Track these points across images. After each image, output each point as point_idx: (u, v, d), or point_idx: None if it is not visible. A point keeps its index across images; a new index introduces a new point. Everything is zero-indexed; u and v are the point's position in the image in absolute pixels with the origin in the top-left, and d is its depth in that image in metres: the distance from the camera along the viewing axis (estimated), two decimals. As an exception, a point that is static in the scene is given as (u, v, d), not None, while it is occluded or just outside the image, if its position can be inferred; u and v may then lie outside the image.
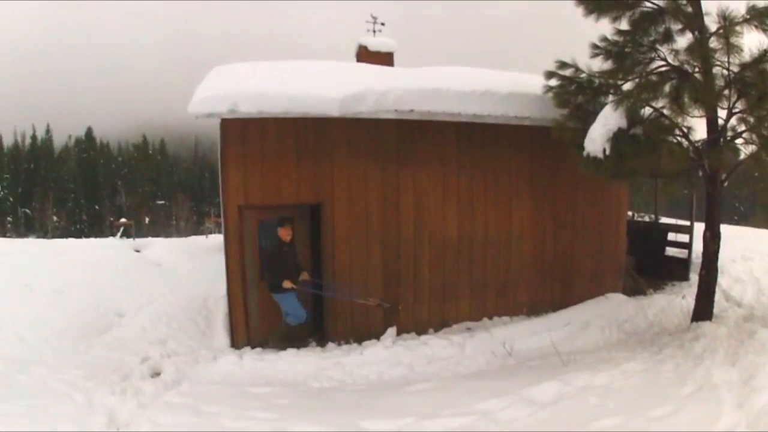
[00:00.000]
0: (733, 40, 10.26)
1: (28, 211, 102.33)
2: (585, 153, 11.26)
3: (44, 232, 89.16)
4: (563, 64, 12.68)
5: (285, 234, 12.56)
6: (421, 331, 13.93)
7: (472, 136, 14.25)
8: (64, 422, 7.68)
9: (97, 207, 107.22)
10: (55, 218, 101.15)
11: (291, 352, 12.37)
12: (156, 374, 10.66)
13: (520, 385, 8.58)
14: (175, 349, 12.27)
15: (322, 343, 13.43)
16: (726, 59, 10.47)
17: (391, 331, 13.51)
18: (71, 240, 26.86)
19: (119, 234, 33.71)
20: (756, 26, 10.31)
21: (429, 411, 8.00)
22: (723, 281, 14.75)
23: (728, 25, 10.21)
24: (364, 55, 20.17)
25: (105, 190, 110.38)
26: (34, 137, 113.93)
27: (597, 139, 10.95)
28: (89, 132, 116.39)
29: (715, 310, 12.38)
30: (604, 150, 10.88)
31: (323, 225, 13.39)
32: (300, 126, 12.81)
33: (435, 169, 14.03)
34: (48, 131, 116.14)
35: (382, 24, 21.70)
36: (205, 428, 7.81)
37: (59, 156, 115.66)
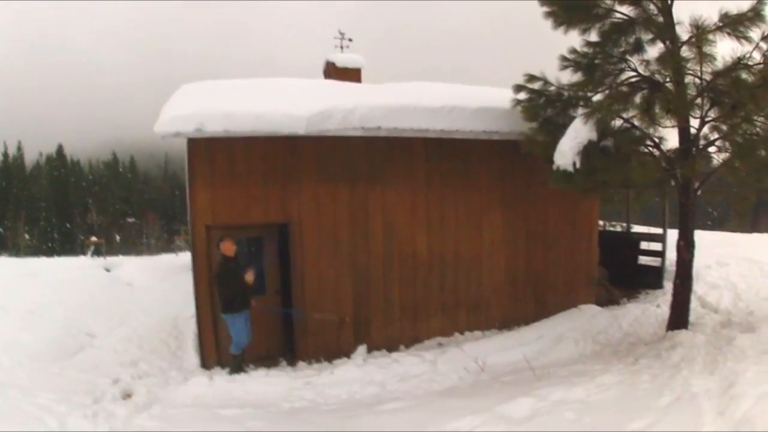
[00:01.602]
0: (706, 48, 10.24)
1: (0, 229, 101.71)
2: (555, 166, 11.21)
3: (17, 251, 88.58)
4: (532, 78, 12.65)
5: (228, 249, 12.14)
6: (392, 348, 13.90)
7: (441, 153, 14.23)
8: (36, 448, 7.58)
9: (68, 225, 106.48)
10: (27, 237, 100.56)
11: (261, 372, 12.32)
12: (127, 396, 10.49)
13: (493, 402, 8.47)
14: (146, 371, 12.14)
15: (292, 362, 13.33)
16: (698, 68, 10.46)
17: (362, 349, 13.48)
18: (43, 259, 26.78)
19: (90, 253, 33.56)
20: (729, 33, 10.34)
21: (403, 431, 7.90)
22: (698, 288, 14.75)
23: (700, 33, 10.20)
24: (332, 71, 20.25)
25: (76, 208, 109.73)
26: (5, 155, 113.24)
27: (567, 152, 10.91)
28: (60, 149, 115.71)
29: (691, 317, 12.33)
30: (574, 163, 10.83)
31: (292, 244, 13.31)
32: (268, 145, 12.71)
33: (404, 186, 14.02)
34: (20, 149, 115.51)
35: (350, 40, 21.97)
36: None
37: (31, 174, 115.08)
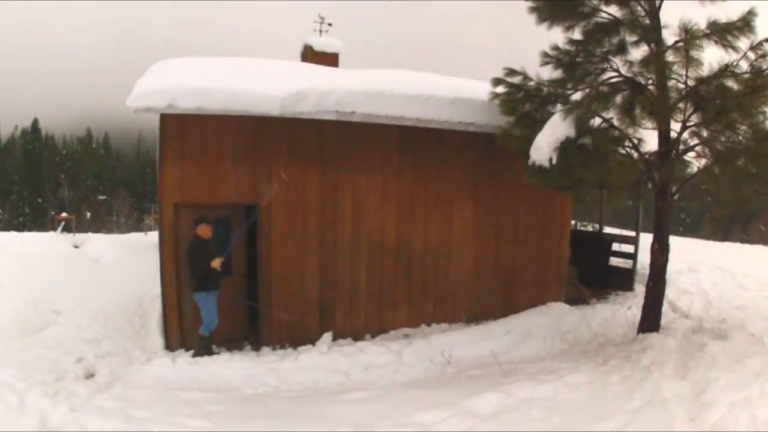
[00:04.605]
0: (694, 53, 10.25)
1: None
2: (531, 162, 11.15)
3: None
4: (511, 71, 12.62)
5: (205, 232, 12.23)
6: (357, 336, 13.90)
7: (414, 141, 14.21)
8: (-5, 425, 7.48)
9: (40, 200, 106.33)
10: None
11: (225, 356, 12.22)
12: (90, 375, 10.44)
13: (459, 396, 8.45)
14: (110, 350, 12.01)
15: (256, 347, 13.29)
16: (683, 72, 10.48)
17: (327, 336, 13.45)
18: (12, 233, 26.56)
19: (60, 229, 33.32)
20: (716, 41, 10.36)
21: (365, 422, 7.84)
22: (669, 292, 14.73)
23: (689, 38, 10.18)
24: (310, 55, 20.16)
25: (48, 183, 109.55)
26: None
27: (544, 148, 10.85)
28: (35, 123, 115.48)
29: (662, 321, 12.36)
30: (551, 159, 10.77)
31: (260, 226, 13.23)
32: (240, 124, 12.62)
33: (375, 173, 13.99)
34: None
35: (329, 24, 21.88)
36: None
37: (5, 147, 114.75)
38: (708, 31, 10.25)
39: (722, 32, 10.23)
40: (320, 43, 20.36)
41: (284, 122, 12.74)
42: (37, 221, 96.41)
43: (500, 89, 12.78)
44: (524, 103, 12.52)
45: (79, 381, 9.95)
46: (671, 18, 10.58)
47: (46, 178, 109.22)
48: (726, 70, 10.18)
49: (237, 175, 12.73)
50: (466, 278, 15.29)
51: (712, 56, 10.34)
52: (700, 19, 10.27)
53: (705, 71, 10.36)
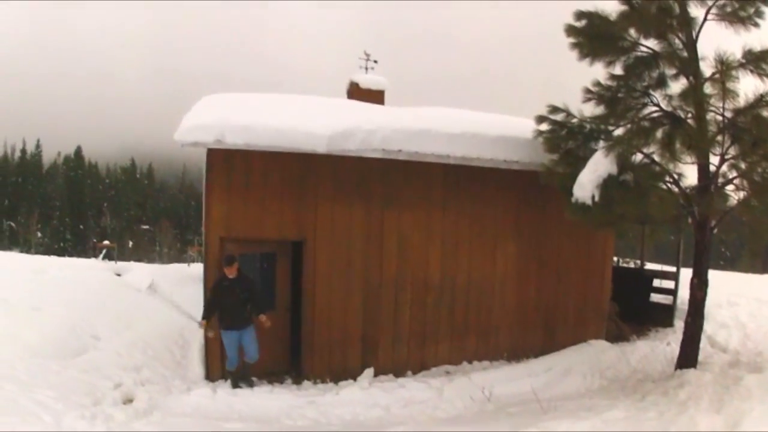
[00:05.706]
0: (730, 84, 10.21)
1: (12, 224, 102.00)
2: (574, 199, 11.14)
3: (28, 248, 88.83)
4: (555, 109, 12.63)
5: (226, 271, 12.13)
6: (399, 372, 13.81)
7: (458, 178, 14.18)
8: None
9: (81, 227, 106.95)
10: (39, 234, 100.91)
11: (265, 388, 12.30)
12: (128, 401, 10.48)
13: (497, 432, 8.40)
14: (149, 377, 12.05)
15: (298, 380, 13.29)
16: (720, 104, 10.46)
17: (369, 372, 13.40)
18: (53, 258, 26.69)
19: (101, 256, 33.51)
20: (752, 71, 10.32)
21: (404, 456, 7.84)
22: (708, 327, 14.62)
23: (725, 69, 10.16)
24: (356, 92, 20.08)
25: (90, 210, 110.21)
26: (23, 151, 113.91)
27: (587, 185, 10.84)
28: (78, 151, 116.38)
29: (700, 356, 12.19)
30: (593, 197, 10.76)
31: (305, 262, 13.30)
32: (286, 160, 12.71)
33: (420, 210, 13.98)
34: (38, 146, 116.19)
35: (375, 61, 21.74)
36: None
37: (47, 172, 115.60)
38: (743, 61, 10.25)
39: (757, 61, 10.22)
40: (366, 81, 20.34)
41: (329, 159, 12.82)
42: (78, 247, 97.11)
43: (544, 127, 12.82)
44: (567, 140, 12.55)
45: (117, 406, 10.06)
46: (708, 47, 10.58)
47: (89, 205, 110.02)
48: (761, 101, 10.17)
49: (282, 211, 12.85)
50: (508, 315, 15.22)
51: (748, 86, 10.32)
52: (736, 47, 10.26)
53: (741, 102, 10.34)
